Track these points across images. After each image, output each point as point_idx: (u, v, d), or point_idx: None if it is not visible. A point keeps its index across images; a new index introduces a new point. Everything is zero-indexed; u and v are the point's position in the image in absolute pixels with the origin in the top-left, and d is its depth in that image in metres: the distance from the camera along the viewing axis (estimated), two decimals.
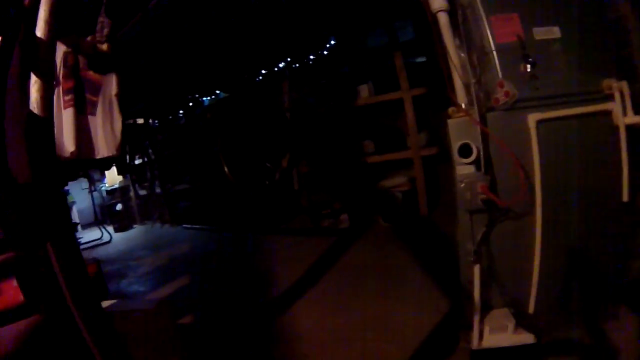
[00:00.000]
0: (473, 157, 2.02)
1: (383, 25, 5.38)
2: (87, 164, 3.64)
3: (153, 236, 8.03)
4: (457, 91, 2.25)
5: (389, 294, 3.27)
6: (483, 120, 2.09)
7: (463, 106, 2.18)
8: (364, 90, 5.45)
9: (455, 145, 2.06)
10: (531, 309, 2.17)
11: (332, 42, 6.07)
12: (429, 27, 4.87)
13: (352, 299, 3.35)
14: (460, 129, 2.08)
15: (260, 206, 6.66)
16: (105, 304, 2.81)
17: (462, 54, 2.30)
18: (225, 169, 5.49)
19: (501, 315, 2.24)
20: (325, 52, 6.16)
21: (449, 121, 2.12)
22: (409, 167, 5.21)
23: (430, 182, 5.10)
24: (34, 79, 1.89)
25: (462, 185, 2.02)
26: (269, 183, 5.79)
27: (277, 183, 5.76)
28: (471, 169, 2.05)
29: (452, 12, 2.31)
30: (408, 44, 5.33)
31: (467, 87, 2.23)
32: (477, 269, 2.13)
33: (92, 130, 3.12)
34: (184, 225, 8.07)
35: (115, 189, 9.92)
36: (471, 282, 2.17)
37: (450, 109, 2.22)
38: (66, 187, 9.18)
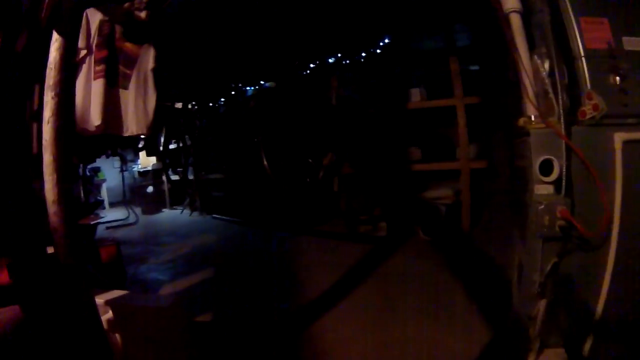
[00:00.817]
0: (555, 176, 1.70)
1: (440, 28, 5.09)
2: (114, 141, 3.44)
3: (181, 223, 7.86)
4: (529, 100, 1.94)
5: (431, 314, 2.95)
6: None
7: (534, 117, 1.87)
8: (416, 94, 5.14)
9: (536, 161, 1.73)
10: (586, 351, 1.88)
11: (386, 41, 5.78)
12: (488, 33, 4.59)
13: (389, 315, 3.03)
14: (543, 142, 1.75)
15: (296, 204, 6.43)
16: (116, 294, 2.60)
17: (538, 60, 1.99)
18: (264, 162, 5.29)
19: (555, 356, 1.93)
20: (378, 51, 5.88)
21: (532, 131, 1.78)
22: (454, 179, 4.90)
23: (473, 197, 4.78)
24: (55, 36, 1.69)
25: (542, 207, 1.69)
26: (309, 181, 5.56)
27: (319, 182, 5.53)
28: (550, 189, 1.72)
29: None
30: (463, 50, 5.02)
31: (538, 96, 1.91)
32: (542, 304, 1.82)
33: (123, 105, 2.91)
34: (214, 216, 7.88)
35: (148, 171, 9.85)
36: (533, 318, 1.86)
37: (522, 120, 1.91)
38: (94, 164, 9.21)
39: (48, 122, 1.63)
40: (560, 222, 1.67)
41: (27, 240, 1.82)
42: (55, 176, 1.62)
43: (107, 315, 2.44)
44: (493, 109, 4.70)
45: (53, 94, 1.64)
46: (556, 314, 1.89)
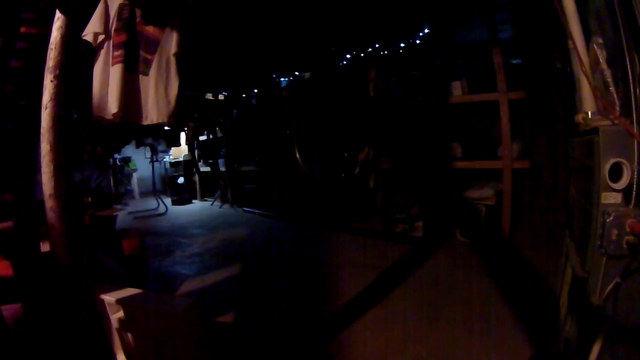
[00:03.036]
0: (625, 183, 1.43)
1: (482, 17, 4.82)
2: (138, 130, 3.30)
3: (211, 215, 7.79)
4: (584, 94, 1.70)
5: (471, 327, 2.73)
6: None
7: (591, 114, 1.63)
8: (457, 88, 4.88)
9: (606, 164, 1.46)
10: None
11: (426, 31, 5.54)
12: (533, 23, 4.32)
13: (426, 326, 2.82)
14: (613, 142, 1.47)
15: (330, 200, 6.28)
16: (130, 292, 2.46)
17: (597, 49, 1.74)
18: (297, 155, 5.13)
19: None
20: (418, 42, 5.64)
21: (602, 128, 1.48)
22: (495, 179, 4.65)
23: (514, 199, 4.52)
24: (57, 15, 1.53)
25: (610, 219, 1.43)
26: (344, 176, 5.38)
27: (355, 178, 5.34)
28: (619, 198, 1.45)
29: None
30: (507, 42, 4.75)
31: (597, 89, 1.66)
32: (601, 331, 1.56)
33: (143, 92, 2.75)
34: (246, 209, 7.80)
35: (179, 162, 9.84)
36: (587, 346, 1.60)
37: (581, 116, 1.66)
38: (125, 154, 9.27)
39: (46, 108, 1.49)
40: (629, 238, 1.40)
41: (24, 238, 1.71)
42: (52, 167, 1.48)
43: (117, 314, 2.32)
44: (537, 104, 4.44)
45: (52, 76, 1.50)
46: (613, 342, 1.63)
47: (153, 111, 2.76)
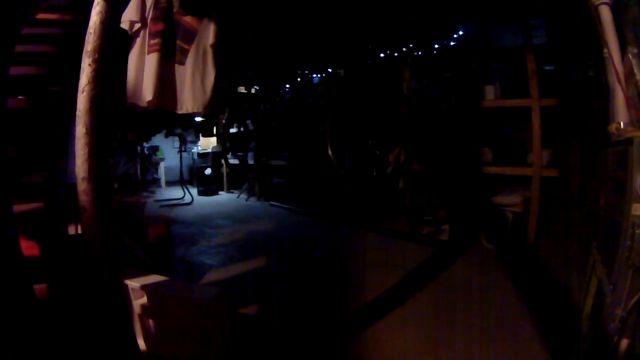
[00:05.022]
0: None
1: (517, 22, 4.74)
2: (170, 119, 3.35)
3: (237, 207, 7.82)
4: (618, 104, 1.67)
5: (493, 335, 2.68)
6: None
7: (623, 124, 1.61)
8: (490, 92, 4.80)
9: (639, 175, 1.43)
10: None
11: (460, 33, 5.49)
12: (568, 30, 4.24)
13: (449, 331, 2.77)
14: None
15: (360, 198, 6.26)
16: (155, 279, 2.48)
17: (633, 59, 1.70)
18: (330, 152, 5.11)
19: None
20: (452, 43, 5.58)
21: (636, 139, 1.46)
22: (523, 185, 4.59)
23: (541, 207, 4.43)
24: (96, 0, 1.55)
25: None
26: (376, 175, 5.35)
27: (387, 177, 5.31)
28: None
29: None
30: (541, 48, 4.65)
31: (631, 100, 1.63)
32: (623, 344, 1.53)
33: (178, 81, 2.79)
34: (272, 203, 7.82)
35: (208, 153, 9.90)
36: (608, 357, 1.57)
37: (614, 126, 1.65)
38: (153, 143, 9.37)
39: (83, 91, 1.50)
40: None
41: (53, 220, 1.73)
42: (87, 150, 1.49)
43: (140, 300, 2.34)
44: (569, 112, 4.35)
45: (91, 60, 1.51)
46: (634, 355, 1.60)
47: (189, 100, 2.79)
